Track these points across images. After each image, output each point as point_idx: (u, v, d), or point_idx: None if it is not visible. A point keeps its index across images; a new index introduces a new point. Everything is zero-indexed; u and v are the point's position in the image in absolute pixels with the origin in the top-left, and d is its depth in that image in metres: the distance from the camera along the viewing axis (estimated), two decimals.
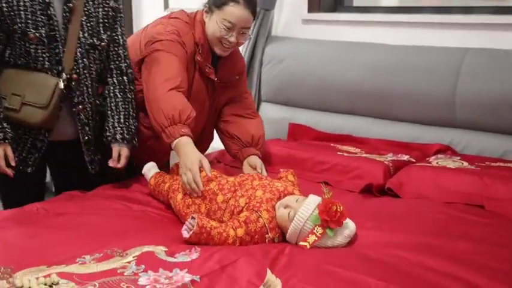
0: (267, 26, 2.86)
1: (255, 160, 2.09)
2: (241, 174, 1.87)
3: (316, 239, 1.54)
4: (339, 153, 2.31)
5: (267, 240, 1.60)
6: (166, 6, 3.36)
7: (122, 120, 2.00)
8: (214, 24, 2.00)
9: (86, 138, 1.97)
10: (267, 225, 1.60)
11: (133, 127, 2.03)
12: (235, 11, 1.97)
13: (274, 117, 2.87)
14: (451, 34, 2.46)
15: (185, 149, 1.83)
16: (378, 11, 2.78)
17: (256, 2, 2.07)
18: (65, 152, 2.00)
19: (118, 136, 1.98)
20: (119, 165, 1.99)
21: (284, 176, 1.88)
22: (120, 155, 1.99)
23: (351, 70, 2.59)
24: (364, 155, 2.29)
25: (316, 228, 1.55)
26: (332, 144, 2.48)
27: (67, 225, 1.69)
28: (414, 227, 1.67)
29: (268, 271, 1.36)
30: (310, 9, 2.87)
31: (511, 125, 2.25)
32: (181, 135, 1.85)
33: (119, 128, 1.99)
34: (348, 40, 2.70)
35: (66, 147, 1.99)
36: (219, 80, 2.15)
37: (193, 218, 1.58)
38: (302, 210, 1.57)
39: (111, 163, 1.99)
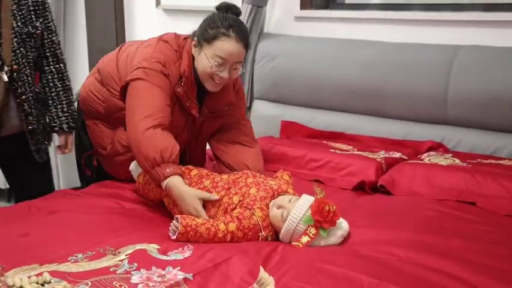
0: (259, 23, 2.85)
1: None
2: (235, 172, 1.87)
3: (310, 239, 1.55)
4: (331, 150, 2.31)
5: (260, 238, 1.61)
6: (158, 3, 3.34)
7: (65, 109, 2.06)
8: (204, 60, 1.84)
9: (31, 127, 1.98)
10: (260, 223, 1.60)
11: (75, 113, 2.11)
12: (226, 46, 1.80)
13: (266, 115, 2.86)
14: (443, 31, 2.46)
15: (178, 193, 1.71)
16: (370, 8, 2.78)
17: (249, 34, 1.96)
18: (12, 145, 2.01)
19: (64, 126, 2.06)
20: (67, 151, 2.10)
21: (280, 175, 1.88)
22: (66, 141, 2.09)
23: (344, 67, 2.59)
24: (356, 152, 2.30)
25: (309, 229, 1.55)
26: (325, 142, 2.48)
27: (59, 223, 1.68)
28: (407, 224, 1.68)
29: (261, 269, 1.36)
30: (303, 6, 2.86)
31: (502, 122, 2.26)
32: (167, 177, 1.72)
33: (63, 118, 2.06)
34: (340, 37, 2.70)
35: (11, 141, 1.99)
36: (207, 110, 2.02)
37: (176, 218, 1.58)
38: (295, 211, 1.57)
39: (58, 151, 2.11)
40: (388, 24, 2.62)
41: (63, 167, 3.54)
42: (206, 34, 1.84)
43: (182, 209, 1.71)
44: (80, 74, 3.64)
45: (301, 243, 1.55)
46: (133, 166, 2.00)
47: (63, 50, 2.00)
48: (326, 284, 1.31)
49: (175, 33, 2.00)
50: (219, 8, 1.90)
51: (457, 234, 1.60)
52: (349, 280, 1.31)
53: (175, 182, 1.72)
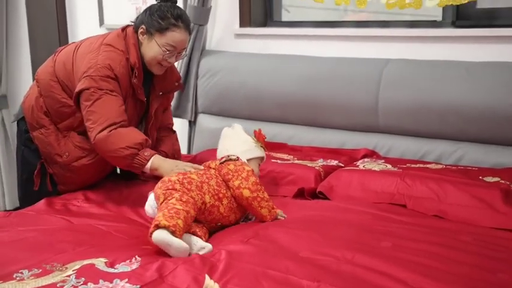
0: (201, 40, 2.91)
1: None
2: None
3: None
4: (272, 160, 2.36)
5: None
6: (101, 22, 3.34)
7: None
8: (156, 48, 2.01)
9: None
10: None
11: None
12: (177, 35, 2.01)
13: (210, 128, 2.92)
14: (372, 46, 2.59)
15: (165, 165, 1.91)
16: (306, 25, 2.88)
17: (190, 21, 2.12)
18: None
19: None
20: None
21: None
22: None
23: (282, 81, 2.67)
24: (296, 161, 2.37)
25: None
26: (266, 153, 2.54)
27: (3, 241, 1.66)
28: (343, 227, 1.74)
29: (207, 276, 1.39)
30: (242, 24, 2.94)
31: (429, 128, 2.39)
32: (148, 159, 1.90)
33: None
34: (278, 53, 2.79)
35: None
36: (161, 91, 2.18)
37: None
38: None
39: None
40: (322, 40, 2.72)
41: (8, 185, 3.48)
42: (157, 25, 2.00)
43: (172, 173, 1.83)
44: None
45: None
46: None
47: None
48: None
49: (116, 32, 2.08)
50: None
51: (388, 235, 1.67)
52: (290, 284, 1.36)
53: (158, 159, 1.92)
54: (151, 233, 1.57)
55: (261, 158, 2.05)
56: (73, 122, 2.08)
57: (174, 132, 2.39)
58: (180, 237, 1.58)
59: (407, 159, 2.36)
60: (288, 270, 1.43)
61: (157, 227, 1.56)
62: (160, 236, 1.55)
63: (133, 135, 1.93)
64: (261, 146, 2.04)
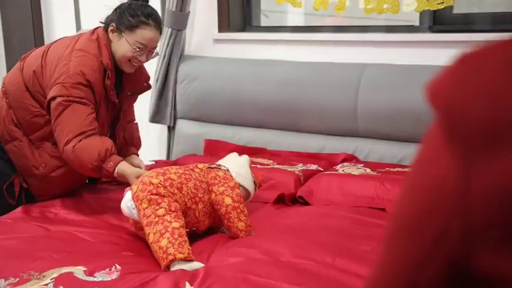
0: (180, 45, 2.91)
1: (138, 161, 2.18)
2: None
3: None
4: (252, 165, 2.38)
5: None
6: (78, 28, 3.32)
7: None
8: (126, 46, 2.02)
9: None
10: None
11: None
12: (147, 34, 2.02)
13: (190, 133, 2.92)
14: (350, 51, 2.61)
15: (127, 175, 1.92)
16: (284, 30, 2.90)
17: (161, 21, 2.15)
18: None
19: None
20: None
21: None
22: None
23: (261, 86, 2.69)
24: (276, 166, 2.38)
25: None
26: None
27: None
28: (323, 232, 1.76)
29: (187, 284, 1.40)
30: (221, 29, 2.95)
31: (407, 133, 2.40)
32: (113, 170, 1.91)
33: None
34: (257, 58, 2.80)
35: None
36: (130, 92, 2.20)
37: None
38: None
39: None
40: (301, 45, 2.74)
41: None
42: (127, 22, 2.02)
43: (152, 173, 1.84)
44: None
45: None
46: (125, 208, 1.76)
47: None
48: None
49: (87, 36, 2.08)
50: None
51: (368, 238, 1.69)
52: None
53: (123, 167, 1.93)
54: (168, 266, 1.54)
55: (248, 194, 1.93)
56: (45, 132, 2.06)
57: (136, 122, 2.40)
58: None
59: (386, 163, 2.38)
60: (269, 275, 1.44)
61: (174, 260, 1.54)
62: (179, 268, 1.54)
63: (95, 147, 1.91)
64: (255, 186, 1.96)
